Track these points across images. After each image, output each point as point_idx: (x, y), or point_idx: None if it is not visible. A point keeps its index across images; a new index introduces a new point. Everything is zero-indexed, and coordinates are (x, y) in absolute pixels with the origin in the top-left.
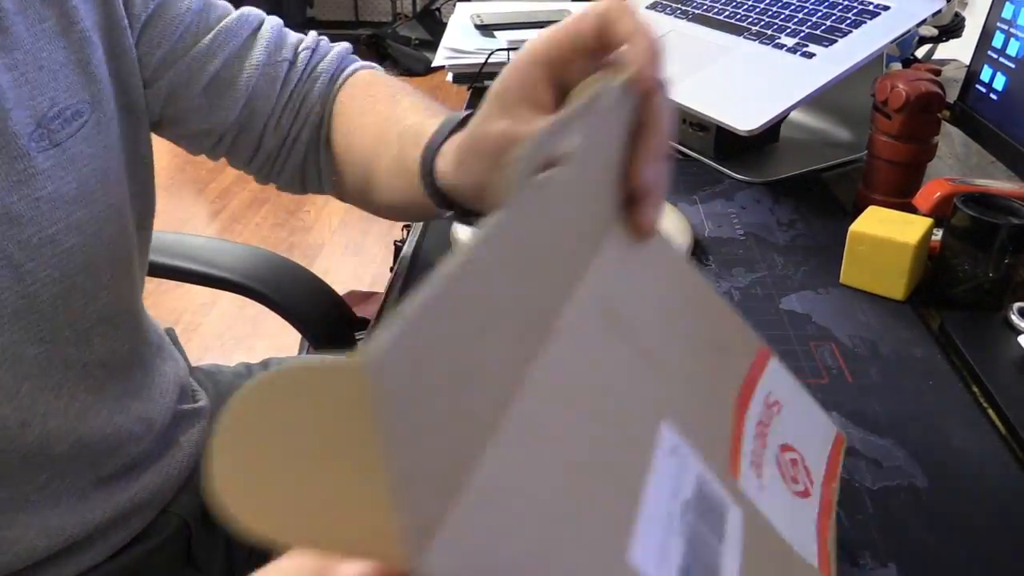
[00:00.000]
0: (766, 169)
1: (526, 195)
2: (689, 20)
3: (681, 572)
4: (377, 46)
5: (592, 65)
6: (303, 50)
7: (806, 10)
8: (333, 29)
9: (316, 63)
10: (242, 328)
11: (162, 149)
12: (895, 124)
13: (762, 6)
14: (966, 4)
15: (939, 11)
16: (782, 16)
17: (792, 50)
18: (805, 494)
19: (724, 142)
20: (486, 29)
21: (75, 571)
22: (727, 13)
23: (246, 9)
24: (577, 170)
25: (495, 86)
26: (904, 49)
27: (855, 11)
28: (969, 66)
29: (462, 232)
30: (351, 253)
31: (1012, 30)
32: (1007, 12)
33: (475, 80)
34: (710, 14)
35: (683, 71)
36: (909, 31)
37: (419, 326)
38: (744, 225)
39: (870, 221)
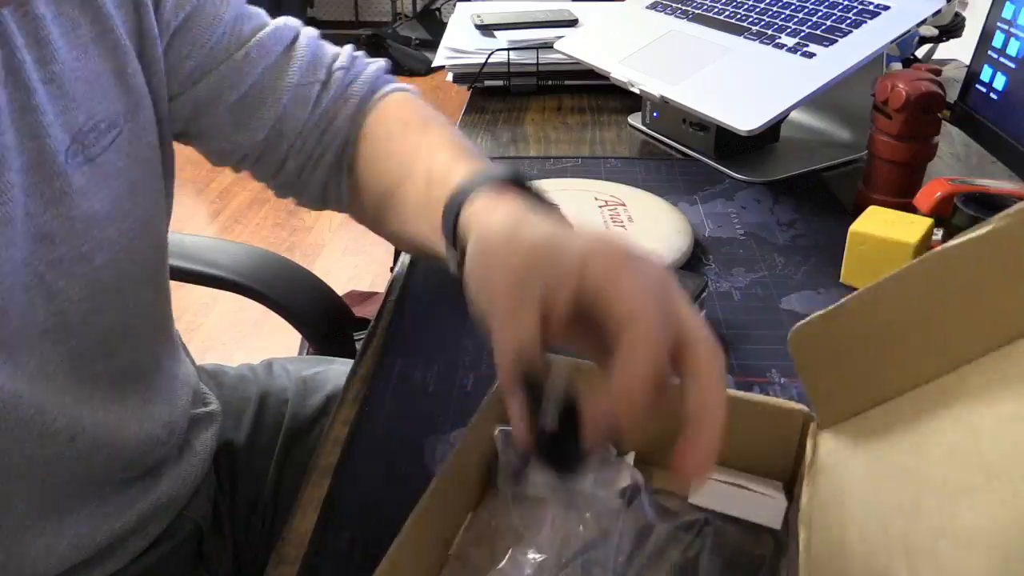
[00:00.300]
0: (766, 169)
1: None
2: (689, 20)
3: None
4: (377, 46)
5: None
6: (337, 70)
7: (806, 10)
8: (333, 29)
9: (349, 83)
10: (242, 328)
11: None
12: (895, 124)
13: (762, 6)
14: (966, 4)
15: (939, 11)
16: (782, 16)
17: (792, 50)
18: None
19: (724, 142)
20: (486, 29)
21: None
22: (727, 13)
23: (282, 21)
24: None
25: (527, 243)
26: (904, 49)
27: (855, 11)
28: (969, 66)
29: None
30: (351, 253)
31: (1012, 30)
32: (1007, 12)
33: (475, 80)
34: (710, 14)
35: (683, 71)
36: (909, 31)
37: None
38: (744, 225)
39: (870, 221)
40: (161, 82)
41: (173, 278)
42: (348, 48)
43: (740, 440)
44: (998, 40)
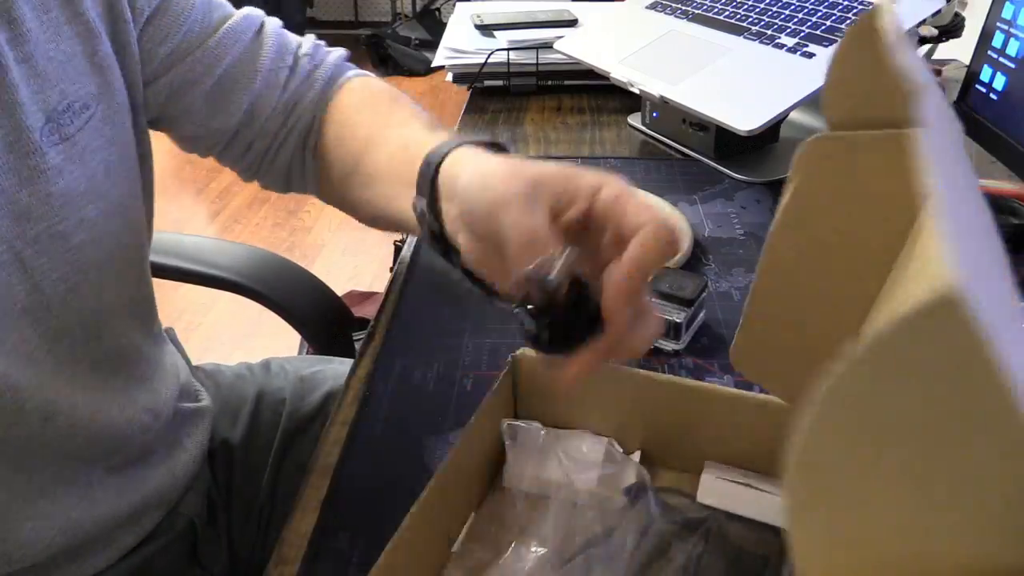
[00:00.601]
0: (766, 169)
1: None
2: (689, 20)
3: None
4: (377, 46)
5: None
6: (303, 56)
7: (806, 10)
8: (333, 29)
9: (314, 68)
10: (242, 328)
11: (161, 150)
12: None
13: (762, 6)
14: (966, 4)
15: (939, 11)
16: (782, 16)
17: (792, 50)
18: None
19: (724, 142)
20: (486, 29)
21: (91, 571)
22: (727, 13)
23: (248, 10)
24: None
25: (535, 165)
26: None
27: (855, 11)
28: (969, 66)
29: None
30: (351, 253)
31: (1012, 30)
32: (1007, 12)
33: (475, 80)
34: (710, 14)
35: (683, 71)
36: (909, 31)
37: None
38: (744, 225)
39: None
40: (136, 67)
41: (173, 278)
42: (311, 37)
43: (745, 439)
44: (998, 40)
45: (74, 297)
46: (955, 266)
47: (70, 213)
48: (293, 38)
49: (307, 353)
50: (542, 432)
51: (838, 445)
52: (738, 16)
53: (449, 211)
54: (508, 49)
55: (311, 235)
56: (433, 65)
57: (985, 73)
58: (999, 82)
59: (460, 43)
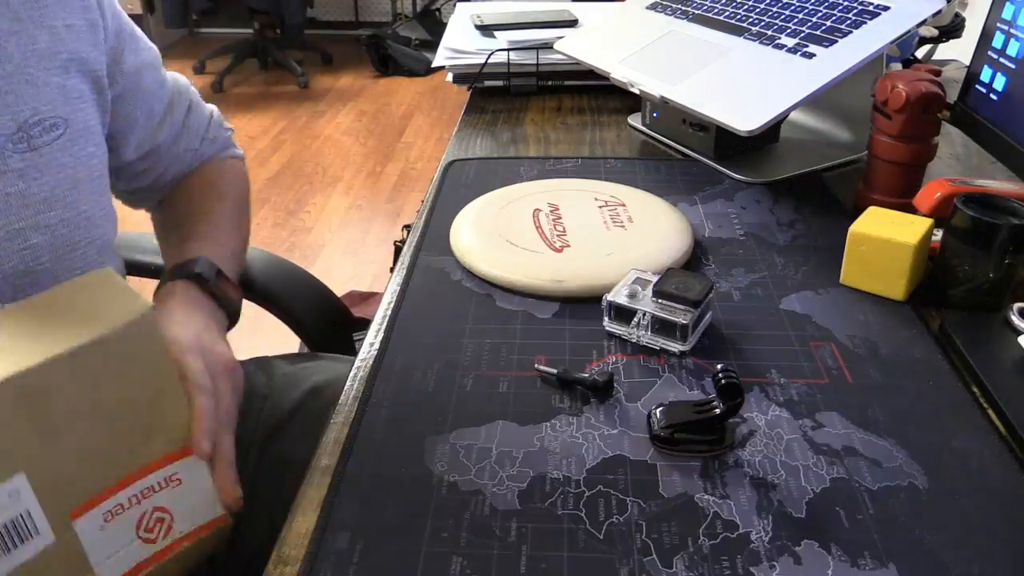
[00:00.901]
0: (766, 169)
1: None
2: (689, 20)
3: None
4: (377, 46)
5: None
6: (205, 140)
7: (806, 10)
8: (333, 29)
9: (207, 150)
10: (241, 327)
11: None
12: (895, 124)
13: (762, 6)
14: (966, 4)
15: (939, 11)
16: (782, 16)
17: (792, 50)
18: (150, 541)
19: (724, 142)
20: (486, 29)
21: None
22: (727, 13)
23: (182, 93)
24: None
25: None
26: (904, 49)
27: (855, 11)
28: (969, 66)
29: (465, 233)
30: (351, 253)
31: (1012, 30)
32: (1007, 12)
33: (475, 80)
34: (710, 14)
35: (683, 71)
36: (909, 31)
37: None
38: (744, 225)
39: (870, 221)
40: (107, 107)
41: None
42: (215, 114)
43: None
44: (998, 41)
45: (24, 295)
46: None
47: (29, 215)
48: (204, 114)
49: (306, 349)
50: None
51: None
52: (738, 16)
53: None
54: (508, 49)
55: (311, 235)
56: (433, 65)
57: (985, 73)
58: (999, 82)
59: (460, 43)
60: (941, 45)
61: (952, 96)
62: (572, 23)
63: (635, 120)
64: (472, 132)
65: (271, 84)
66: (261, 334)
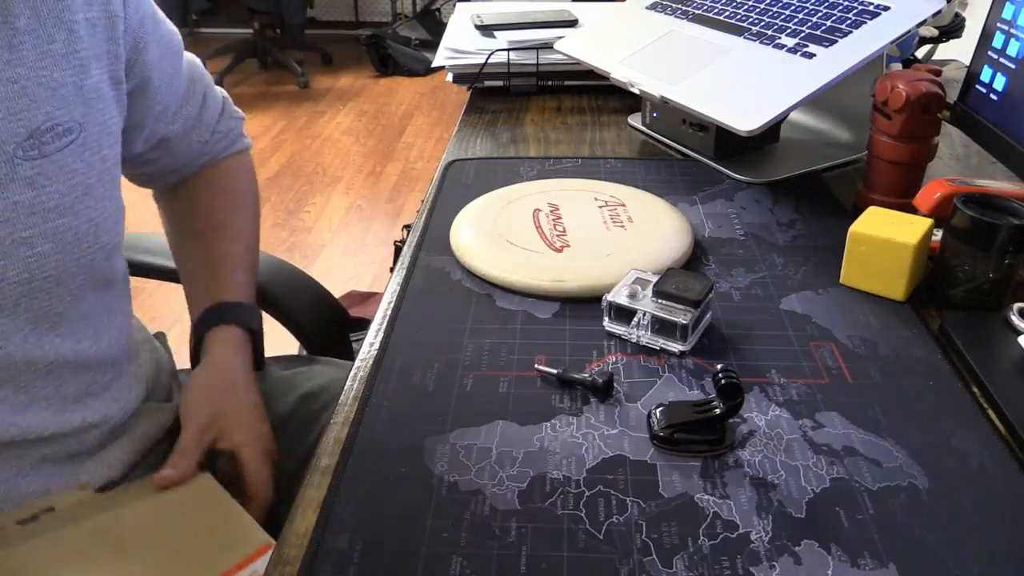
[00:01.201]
0: (766, 169)
1: None
2: (689, 20)
3: None
4: (377, 46)
5: None
6: (217, 132)
7: (806, 10)
8: (333, 29)
9: (216, 143)
10: None
11: None
12: (895, 124)
13: (762, 6)
14: (966, 4)
15: (939, 11)
16: (782, 16)
17: (792, 50)
18: None
19: (724, 142)
20: (486, 29)
21: None
22: (727, 13)
23: (200, 85)
24: None
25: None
26: (904, 49)
27: (855, 11)
28: (969, 66)
29: (465, 233)
30: (351, 253)
31: (1012, 30)
32: (1007, 12)
33: (475, 80)
34: (710, 14)
35: (683, 71)
36: (909, 31)
37: None
38: (744, 225)
39: (870, 221)
40: (124, 107)
41: (172, 279)
42: (227, 103)
43: None
44: (998, 41)
45: (28, 302)
46: None
47: (36, 223)
48: (214, 106)
49: (303, 353)
50: None
51: None
52: (738, 16)
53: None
54: (508, 49)
55: (311, 235)
56: (433, 65)
57: (985, 73)
58: (999, 82)
59: (460, 43)
60: (941, 45)
61: (952, 96)
62: (572, 23)
63: (635, 120)
64: (472, 132)
65: (271, 84)
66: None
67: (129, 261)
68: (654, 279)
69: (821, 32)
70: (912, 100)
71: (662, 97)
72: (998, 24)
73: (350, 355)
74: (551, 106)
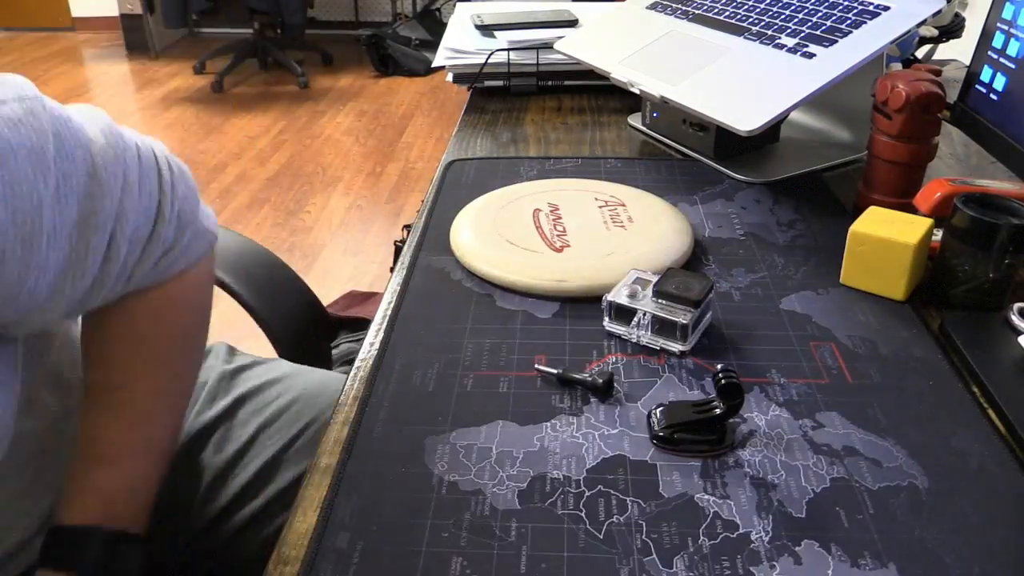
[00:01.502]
0: (766, 169)
1: None
2: (689, 20)
3: None
4: (377, 46)
5: None
6: (157, 266)
7: (806, 10)
8: (333, 29)
9: (145, 278)
10: (238, 328)
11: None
12: (895, 124)
13: (762, 6)
14: (966, 4)
15: (939, 11)
16: (782, 16)
17: (792, 50)
18: None
19: (724, 142)
20: (486, 29)
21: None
22: (727, 13)
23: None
24: None
25: None
26: (904, 49)
27: (855, 11)
28: (969, 66)
29: (465, 233)
30: (351, 253)
31: (1012, 30)
32: (1007, 12)
33: (475, 80)
34: (710, 14)
35: (683, 71)
36: (909, 31)
37: None
38: (744, 225)
39: (870, 221)
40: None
41: None
42: (203, 216)
43: None
44: (998, 40)
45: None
46: None
47: None
48: (168, 235)
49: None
50: None
51: None
52: (738, 16)
53: None
54: (508, 49)
55: (311, 235)
56: (433, 65)
57: (985, 73)
58: (999, 82)
59: (460, 43)
60: (941, 45)
61: (952, 96)
62: (572, 23)
63: (635, 120)
64: (472, 132)
65: (271, 84)
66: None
67: None
68: (654, 279)
69: (821, 32)
70: (912, 100)
71: (662, 97)
72: (998, 24)
73: (329, 366)
74: (551, 106)
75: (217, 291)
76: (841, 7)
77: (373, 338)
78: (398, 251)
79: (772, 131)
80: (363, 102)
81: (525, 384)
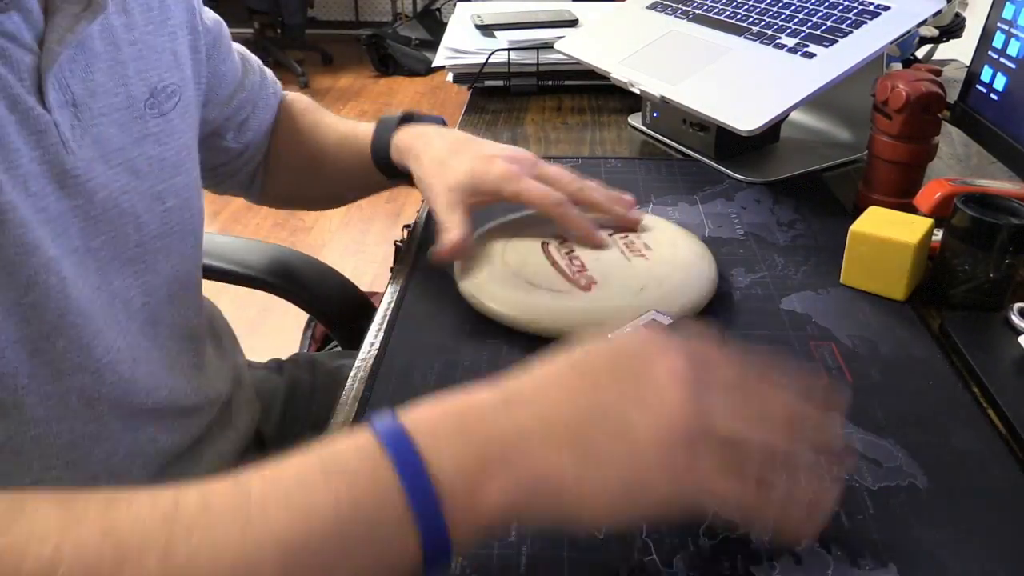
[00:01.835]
0: (766, 169)
1: None
2: (689, 20)
3: None
4: (377, 46)
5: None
6: (275, 81)
7: (806, 10)
8: (333, 29)
9: (279, 91)
10: (244, 326)
11: None
12: (895, 124)
13: (762, 6)
14: (966, 4)
15: (939, 11)
16: (782, 16)
17: (792, 50)
18: None
19: (724, 142)
20: (486, 29)
21: None
22: (727, 13)
23: (244, 49)
24: None
25: (458, 170)
26: (904, 49)
27: (855, 11)
28: (969, 66)
29: (479, 276)
30: (351, 253)
31: (1012, 30)
32: (1007, 12)
33: (475, 80)
34: (710, 14)
35: (683, 71)
36: (909, 31)
37: None
38: (744, 225)
39: (870, 221)
40: (202, 73)
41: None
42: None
43: None
44: (998, 40)
45: (165, 258)
46: None
47: (165, 178)
48: (266, 69)
49: (308, 349)
50: None
51: None
52: (738, 16)
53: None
54: (508, 49)
55: (311, 235)
56: (433, 65)
57: (985, 73)
58: (999, 82)
59: (460, 43)
60: (941, 45)
61: (952, 96)
62: (572, 23)
63: (635, 120)
64: (472, 132)
65: None
66: (264, 333)
67: None
68: (667, 321)
69: (821, 32)
70: (912, 100)
71: (662, 97)
72: (998, 24)
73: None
74: (551, 106)
75: (233, 296)
76: (841, 7)
77: (373, 338)
78: (398, 251)
79: (772, 131)
80: (363, 102)
81: None
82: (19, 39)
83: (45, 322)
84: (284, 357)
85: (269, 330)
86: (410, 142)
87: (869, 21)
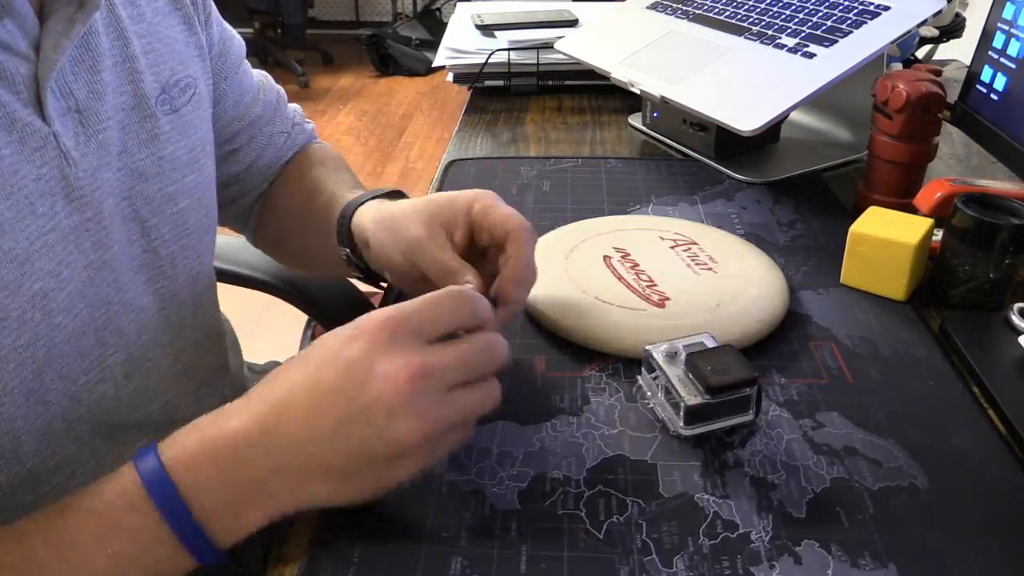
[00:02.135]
0: (766, 169)
1: None
2: (689, 20)
3: None
4: (377, 46)
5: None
6: (295, 125)
7: (807, 10)
8: (333, 29)
9: (297, 136)
10: (240, 328)
11: None
12: (896, 124)
13: (762, 6)
14: (966, 4)
15: (939, 11)
16: (782, 16)
17: (792, 50)
18: None
19: (724, 142)
20: (486, 29)
21: None
22: (727, 13)
23: (272, 85)
24: None
25: (424, 202)
26: (905, 49)
27: (856, 11)
28: (970, 66)
29: (546, 297)
30: None
31: (1012, 30)
32: (1007, 12)
33: (476, 80)
34: (710, 14)
35: (683, 71)
36: (910, 31)
37: None
38: (744, 225)
39: (870, 221)
40: (210, 77)
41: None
42: (295, 107)
43: None
44: (998, 41)
45: (181, 261)
46: None
47: (177, 178)
48: (288, 106)
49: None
50: None
51: None
52: (738, 16)
53: (368, 256)
54: (508, 49)
55: None
56: (434, 65)
57: (986, 73)
58: (1000, 82)
59: (460, 43)
60: (941, 45)
61: (952, 96)
62: (572, 23)
63: (635, 120)
64: (472, 132)
65: None
66: (261, 335)
67: None
68: (712, 344)
69: (821, 32)
70: (912, 100)
71: (662, 97)
72: (998, 24)
73: None
74: (551, 106)
75: (231, 299)
76: (841, 7)
77: None
78: None
79: (772, 131)
80: (363, 102)
81: (525, 384)
82: (13, 48)
83: (36, 360)
84: (283, 359)
85: (269, 331)
86: (375, 207)
87: (869, 21)
